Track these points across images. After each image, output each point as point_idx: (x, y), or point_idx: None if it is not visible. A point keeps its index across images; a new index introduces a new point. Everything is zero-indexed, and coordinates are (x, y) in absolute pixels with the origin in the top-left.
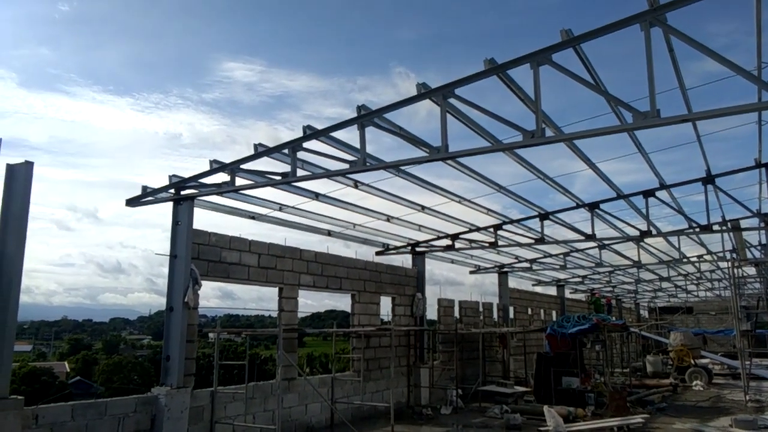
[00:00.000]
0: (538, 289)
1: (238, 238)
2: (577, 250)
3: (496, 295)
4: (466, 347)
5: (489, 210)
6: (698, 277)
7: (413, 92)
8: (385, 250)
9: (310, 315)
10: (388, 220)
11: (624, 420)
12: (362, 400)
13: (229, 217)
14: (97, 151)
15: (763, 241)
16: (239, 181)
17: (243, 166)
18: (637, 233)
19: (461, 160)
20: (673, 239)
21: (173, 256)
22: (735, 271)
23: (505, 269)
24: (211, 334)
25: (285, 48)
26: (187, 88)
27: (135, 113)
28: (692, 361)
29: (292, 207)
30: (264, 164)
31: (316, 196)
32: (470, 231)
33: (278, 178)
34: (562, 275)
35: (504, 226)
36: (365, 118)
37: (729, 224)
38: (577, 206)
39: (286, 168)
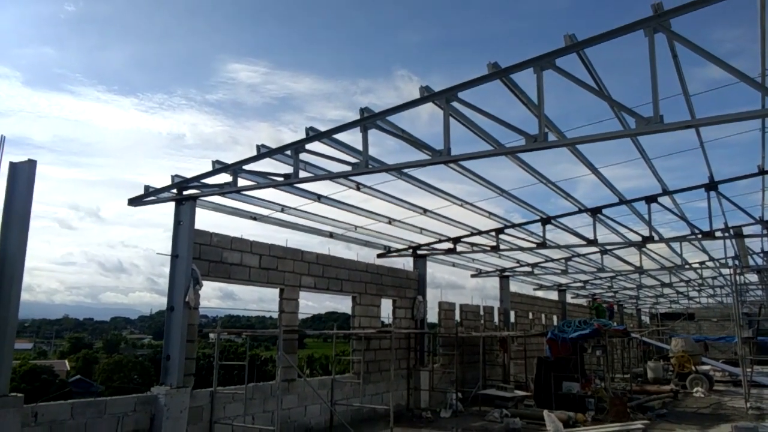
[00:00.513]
0: (540, 294)
1: (240, 238)
2: (579, 255)
3: (497, 298)
4: (466, 351)
5: (491, 214)
6: (700, 283)
7: (416, 95)
8: (387, 252)
9: (310, 316)
10: (389, 223)
11: (624, 426)
12: (362, 402)
13: (231, 218)
14: (100, 151)
15: (766, 249)
16: (241, 182)
17: (245, 167)
18: (639, 239)
19: (464, 163)
20: (676, 245)
21: (174, 256)
22: (737, 278)
23: (507, 273)
24: (211, 335)
25: (290, 50)
26: (191, 88)
27: (139, 113)
28: (693, 368)
29: (294, 208)
30: (266, 165)
31: (318, 197)
32: (472, 234)
33: (280, 179)
34: (563, 280)
35: (506, 230)
36: (368, 120)
37: (731, 231)
38: (580, 211)
39: (288, 169)
